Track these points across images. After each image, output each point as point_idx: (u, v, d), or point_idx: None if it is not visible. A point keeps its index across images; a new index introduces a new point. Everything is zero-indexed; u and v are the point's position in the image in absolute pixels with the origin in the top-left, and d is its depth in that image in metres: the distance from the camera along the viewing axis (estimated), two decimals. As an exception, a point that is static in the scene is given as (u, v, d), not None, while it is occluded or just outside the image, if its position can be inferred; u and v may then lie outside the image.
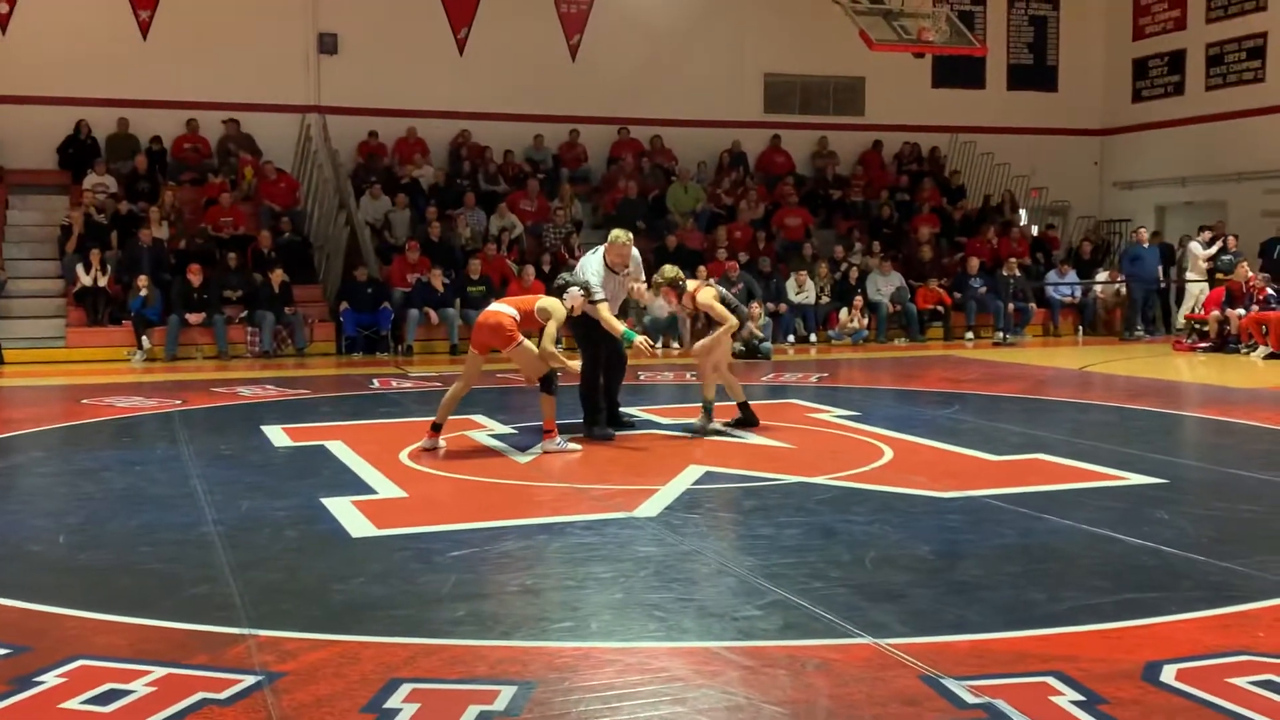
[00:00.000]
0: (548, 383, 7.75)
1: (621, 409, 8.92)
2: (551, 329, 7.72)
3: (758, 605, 4.42)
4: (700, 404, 8.55)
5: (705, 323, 8.46)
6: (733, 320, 8.25)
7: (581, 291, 8.07)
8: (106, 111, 17.77)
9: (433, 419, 7.97)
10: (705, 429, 8.43)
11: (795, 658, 3.87)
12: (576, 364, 8.15)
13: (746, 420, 8.66)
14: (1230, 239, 18.33)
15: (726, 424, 8.66)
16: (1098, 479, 6.84)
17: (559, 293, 8.09)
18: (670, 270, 8.52)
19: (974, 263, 18.59)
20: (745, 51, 20.71)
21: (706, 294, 8.39)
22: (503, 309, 7.85)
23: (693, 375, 13.14)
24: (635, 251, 8.71)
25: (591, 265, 8.48)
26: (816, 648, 3.96)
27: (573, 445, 7.83)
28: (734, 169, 20.44)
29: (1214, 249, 18.08)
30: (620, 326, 8.21)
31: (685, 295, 8.38)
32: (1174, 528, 5.64)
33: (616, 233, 8.60)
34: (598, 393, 8.52)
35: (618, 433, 8.48)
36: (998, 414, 9.92)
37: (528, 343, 7.74)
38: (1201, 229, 18.89)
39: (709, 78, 20.40)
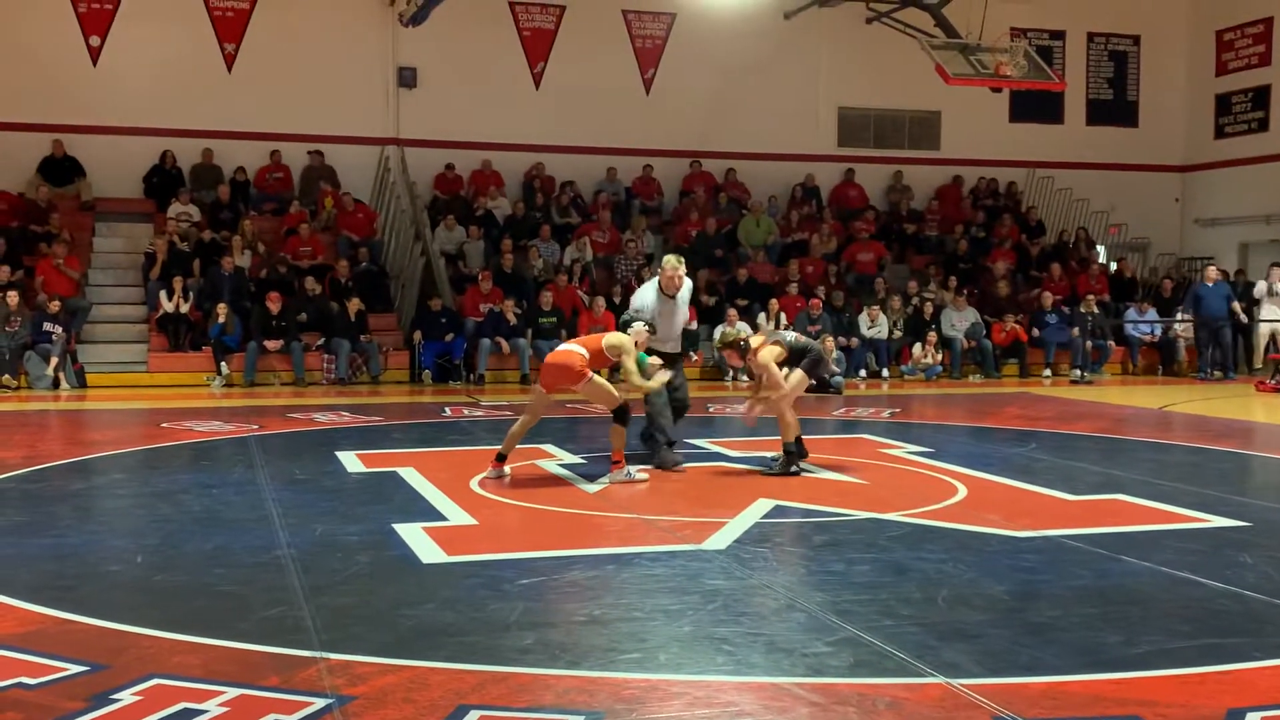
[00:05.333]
0: (621, 414, 7.77)
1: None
2: (630, 364, 7.81)
3: (828, 641, 4.37)
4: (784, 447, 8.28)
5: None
6: (783, 389, 8.06)
7: (646, 326, 8.10)
8: (191, 142, 18.20)
9: (498, 449, 8.03)
10: (789, 470, 8.21)
11: (866, 696, 3.82)
12: (664, 375, 8.14)
13: (791, 460, 8.37)
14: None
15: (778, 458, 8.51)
16: (1178, 521, 6.69)
17: (623, 329, 8.12)
18: (731, 333, 8.42)
19: (1048, 298, 18.36)
20: (819, 85, 20.72)
21: (765, 355, 8.16)
22: (572, 348, 7.88)
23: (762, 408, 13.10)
24: (689, 281, 8.88)
25: (646, 296, 8.66)
26: (887, 686, 3.90)
27: (640, 475, 7.82)
28: (806, 202, 20.40)
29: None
30: (634, 369, 7.99)
31: (749, 354, 8.24)
32: (1257, 572, 5.50)
33: (668, 258, 8.82)
34: (667, 419, 8.56)
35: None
36: (1075, 453, 9.74)
37: (598, 378, 7.77)
38: (1274, 266, 18.53)
39: (782, 111, 20.42)
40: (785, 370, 8.22)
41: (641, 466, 8.10)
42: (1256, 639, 4.50)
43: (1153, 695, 3.83)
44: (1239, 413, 13.35)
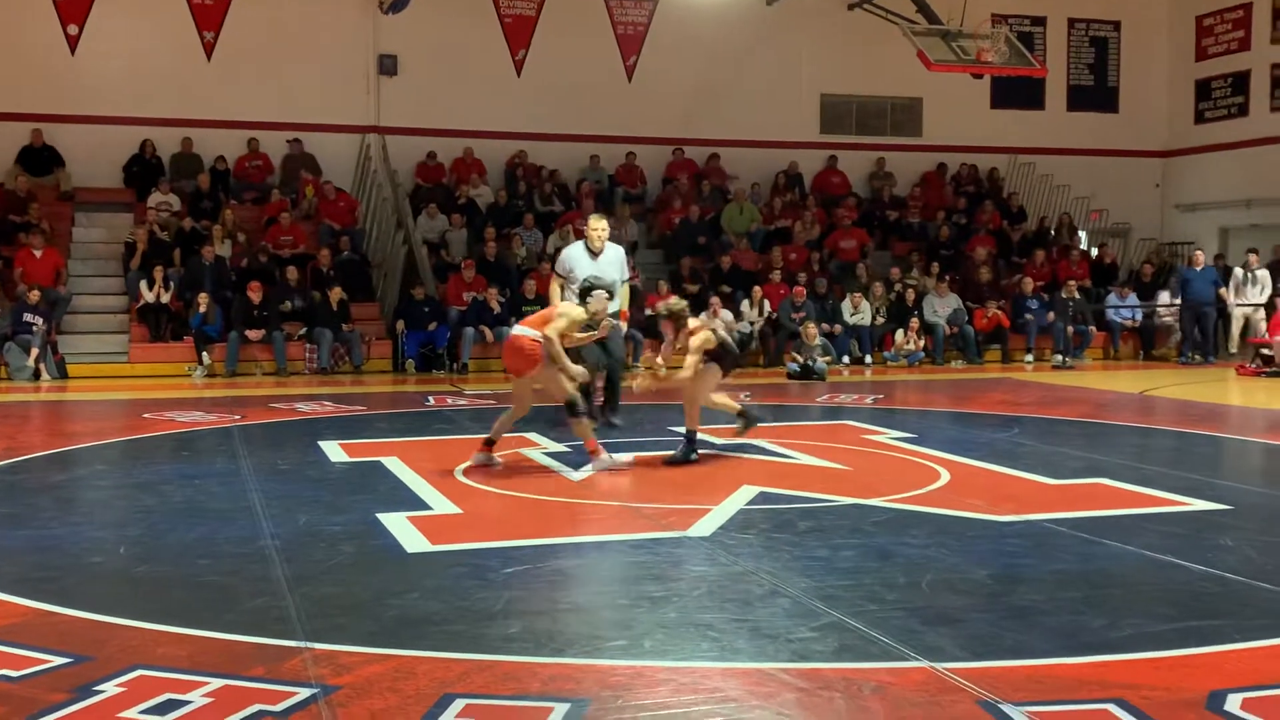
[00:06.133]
0: (572, 406, 7.70)
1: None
2: (561, 324, 7.67)
3: (812, 627, 4.39)
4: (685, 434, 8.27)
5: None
6: (683, 376, 7.98)
7: (606, 295, 8.05)
8: (171, 131, 18.10)
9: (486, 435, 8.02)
10: (687, 458, 8.12)
11: (851, 680, 3.83)
12: (576, 369, 7.98)
13: (749, 421, 8.45)
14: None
15: (740, 430, 8.56)
16: (1159, 504, 6.73)
17: (583, 297, 8.03)
18: (677, 304, 8.32)
19: (1030, 283, 18.41)
20: (802, 72, 20.70)
21: (697, 341, 8.04)
22: (525, 331, 7.74)
23: (746, 395, 13.15)
24: (620, 249, 9.94)
25: (574, 253, 9.79)
26: (872, 671, 3.92)
27: (623, 460, 7.81)
28: (790, 190, 20.40)
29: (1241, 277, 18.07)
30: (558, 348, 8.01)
31: (683, 331, 8.17)
32: (1238, 555, 5.54)
33: (591, 217, 9.97)
34: (591, 387, 9.42)
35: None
36: (1057, 438, 9.79)
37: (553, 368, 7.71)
38: (1250, 252, 18.65)
39: (765, 98, 20.41)
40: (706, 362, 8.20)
41: (622, 457, 8.10)
42: (1238, 621, 4.53)
43: (1135, 678, 3.86)
44: (1220, 397, 13.43)
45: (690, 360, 8.02)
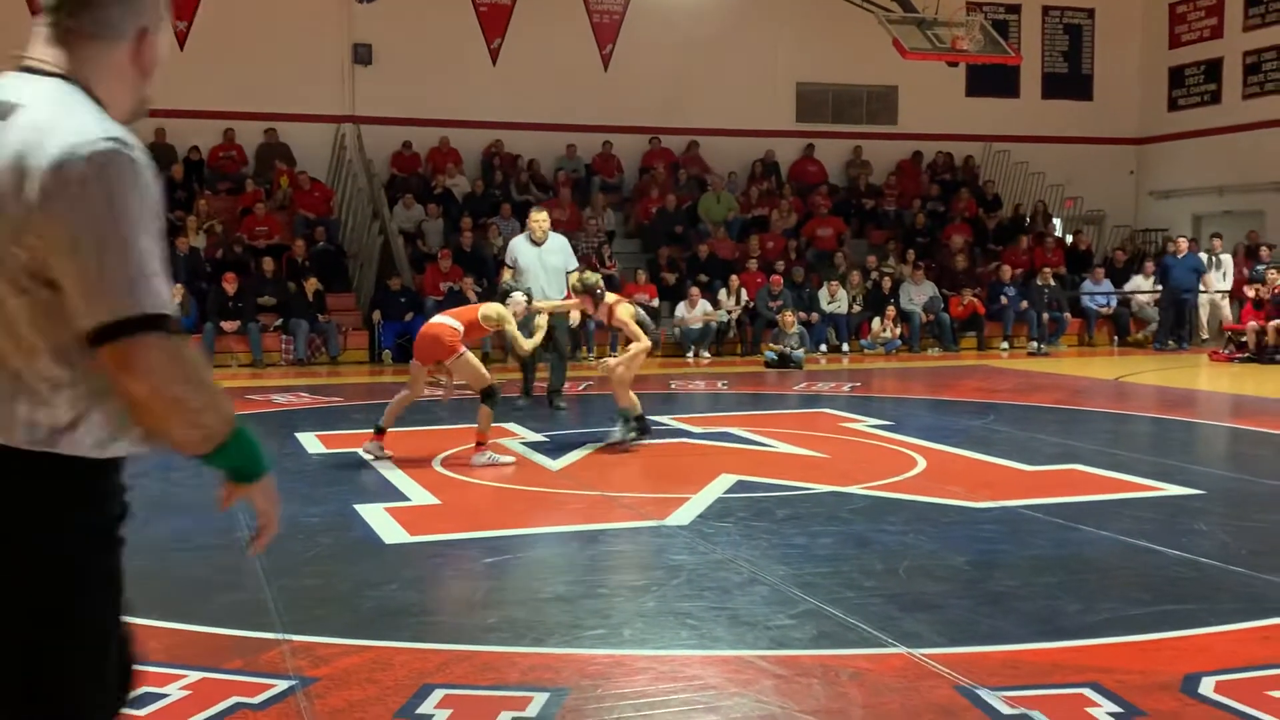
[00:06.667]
0: (489, 395, 7.70)
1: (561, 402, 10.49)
2: (513, 329, 7.96)
3: (791, 614, 4.40)
4: (621, 416, 8.28)
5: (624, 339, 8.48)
6: (646, 343, 8.13)
7: (525, 298, 8.10)
8: (144, 122, 17.58)
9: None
10: (626, 439, 8.14)
11: (829, 667, 3.85)
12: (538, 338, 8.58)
13: (643, 430, 8.42)
14: (1264, 249, 18.22)
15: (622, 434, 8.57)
16: (1134, 490, 6.78)
17: (502, 299, 8.07)
18: (591, 277, 8.47)
19: (1006, 271, 18.48)
20: (778, 60, 20.68)
21: (624, 311, 8.27)
22: (444, 320, 7.80)
23: (724, 384, 13.18)
24: (563, 239, 10.78)
25: (517, 243, 10.63)
26: (850, 657, 3.94)
27: (505, 459, 7.71)
28: (766, 178, 20.41)
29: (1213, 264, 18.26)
30: (518, 334, 8.26)
31: (603, 306, 8.30)
32: (1212, 539, 5.58)
33: (534, 210, 11.04)
34: (531, 365, 10.58)
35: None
36: (1033, 424, 9.84)
37: (469, 354, 7.71)
38: (1214, 237, 18.80)
39: (741, 87, 20.38)
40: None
41: (504, 457, 8.08)
42: (1211, 605, 4.57)
43: (1110, 662, 3.89)
44: (1193, 383, 13.53)
45: (637, 332, 8.14)
